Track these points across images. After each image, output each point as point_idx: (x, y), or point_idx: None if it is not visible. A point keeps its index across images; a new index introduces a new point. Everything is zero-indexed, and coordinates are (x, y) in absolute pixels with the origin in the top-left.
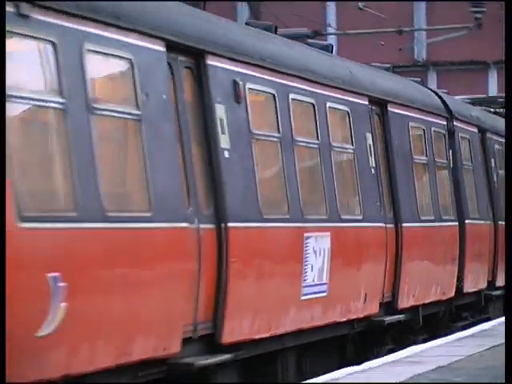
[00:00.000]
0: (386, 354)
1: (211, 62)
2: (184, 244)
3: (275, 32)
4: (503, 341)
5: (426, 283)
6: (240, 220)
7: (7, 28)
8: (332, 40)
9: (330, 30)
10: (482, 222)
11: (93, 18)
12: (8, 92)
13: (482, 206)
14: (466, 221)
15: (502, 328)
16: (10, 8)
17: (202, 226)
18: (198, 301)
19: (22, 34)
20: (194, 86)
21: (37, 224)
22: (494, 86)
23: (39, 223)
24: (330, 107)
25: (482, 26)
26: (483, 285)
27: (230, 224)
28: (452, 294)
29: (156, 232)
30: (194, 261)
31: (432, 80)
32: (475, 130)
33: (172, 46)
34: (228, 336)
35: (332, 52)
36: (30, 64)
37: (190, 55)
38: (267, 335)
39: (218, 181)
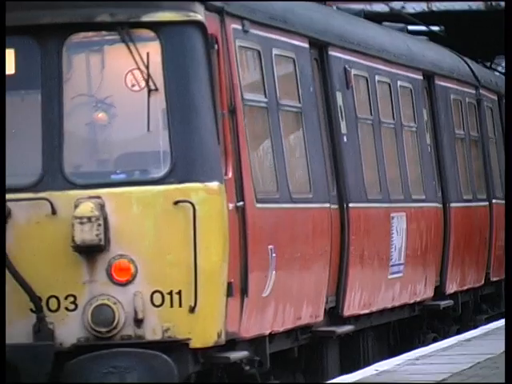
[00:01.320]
0: (431, 343)
1: (332, 52)
2: (326, 223)
3: None
4: None
5: (466, 269)
6: (356, 200)
7: (238, 43)
8: None
9: None
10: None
11: (274, 25)
12: (244, 96)
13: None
14: (493, 201)
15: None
16: (237, 26)
17: (332, 206)
18: (330, 275)
19: (244, 47)
20: (318, 76)
21: (264, 204)
22: None
23: (264, 204)
24: (400, 86)
25: None
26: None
27: (351, 204)
28: (482, 281)
29: (314, 211)
30: (330, 238)
31: None
32: (495, 97)
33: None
34: (347, 309)
35: None
36: (250, 71)
37: (315, 47)
38: (367, 311)
39: (339, 164)
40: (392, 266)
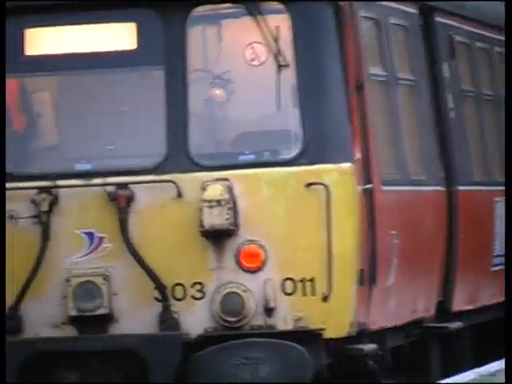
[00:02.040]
0: None
1: (438, 18)
2: (439, 207)
3: None
4: None
5: None
6: (464, 183)
7: (361, 14)
8: None
9: None
10: None
11: None
12: (371, 71)
13: None
14: None
15: None
16: None
17: (440, 188)
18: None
19: (366, 17)
20: (423, 45)
21: (388, 187)
22: None
23: (389, 186)
24: (497, 52)
25: None
26: None
27: (459, 187)
28: None
29: (429, 195)
30: (443, 224)
31: None
32: None
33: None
34: (456, 304)
35: None
36: (371, 43)
37: (421, 13)
38: (471, 307)
39: (447, 142)
40: (495, 257)
